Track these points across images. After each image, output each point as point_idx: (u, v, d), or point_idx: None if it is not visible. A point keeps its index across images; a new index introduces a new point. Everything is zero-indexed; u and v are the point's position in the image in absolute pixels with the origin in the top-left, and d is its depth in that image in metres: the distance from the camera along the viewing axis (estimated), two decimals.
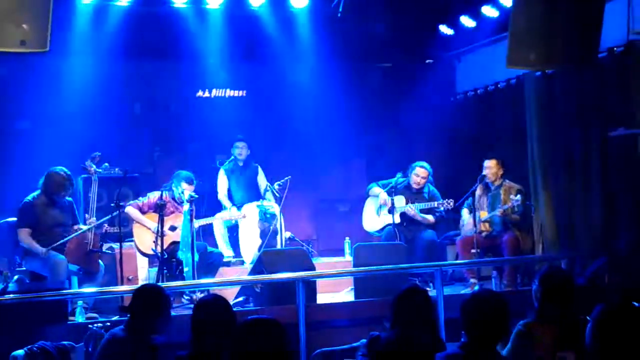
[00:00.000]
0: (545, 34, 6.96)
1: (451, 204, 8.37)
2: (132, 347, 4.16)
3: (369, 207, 8.93)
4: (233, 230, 8.98)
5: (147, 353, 4.11)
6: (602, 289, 7.02)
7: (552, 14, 6.98)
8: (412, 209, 8.43)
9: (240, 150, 9.14)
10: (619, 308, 3.13)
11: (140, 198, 8.05)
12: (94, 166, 7.46)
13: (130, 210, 7.88)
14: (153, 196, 7.95)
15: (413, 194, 8.61)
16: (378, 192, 8.73)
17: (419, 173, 8.58)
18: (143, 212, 7.91)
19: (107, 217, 7.31)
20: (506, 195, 8.08)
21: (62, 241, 7.00)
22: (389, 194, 8.50)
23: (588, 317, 3.21)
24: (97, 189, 7.38)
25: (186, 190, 7.79)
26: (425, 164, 8.64)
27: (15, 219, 7.42)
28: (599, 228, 7.71)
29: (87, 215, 7.30)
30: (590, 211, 7.83)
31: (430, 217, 8.52)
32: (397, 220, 8.44)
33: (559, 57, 7.02)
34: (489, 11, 9.26)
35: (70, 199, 7.36)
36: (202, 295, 7.43)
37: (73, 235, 7.08)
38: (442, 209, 8.48)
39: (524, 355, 4.12)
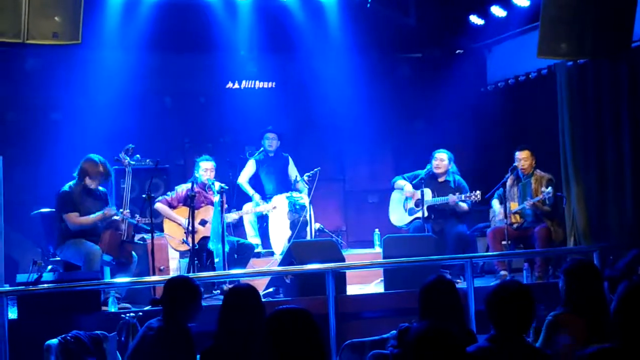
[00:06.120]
0: (576, 23, 6.89)
1: (478, 196, 8.17)
2: (169, 336, 4.24)
3: (395, 200, 8.84)
4: (263, 221, 8.97)
5: (183, 341, 4.17)
6: (635, 280, 6.93)
7: (584, 3, 6.90)
8: (455, 198, 8.24)
9: (271, 142, 9.13)
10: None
11: (169, 193, 8.06)
12: (128, 158, 7.38)
13: (160, 206, 7.88)
14: (181, 189, 7.97)
15: (439, 185, 8.47)
16: (403, 185, 8.64)
17: (438, 157, 8.48)
18: (173, 207, 7.91)
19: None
20: (537, 184, 7.99)
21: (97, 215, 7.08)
22: (416, 186, 8.45)
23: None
24: (130, 181, 7.36)
25: (207, 169, 7.86)
26: (444, 149, 8.55)
27: (48, 209, 7.53)
28: (631, 220, 7.62)
29: (121, 210, 7.31)
30: (623, 203, 7.75)
31: (465, 205, 8.36)
32: (425, 213, 8.26)
33: (591, 48, 6.94)
34: (520, 0, 9.16)
35: (103, 189, 7.38)
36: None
37: (103, 214, 7.10)
38: (469, 201, 8.31)
39: (554, 346, 4.11)
